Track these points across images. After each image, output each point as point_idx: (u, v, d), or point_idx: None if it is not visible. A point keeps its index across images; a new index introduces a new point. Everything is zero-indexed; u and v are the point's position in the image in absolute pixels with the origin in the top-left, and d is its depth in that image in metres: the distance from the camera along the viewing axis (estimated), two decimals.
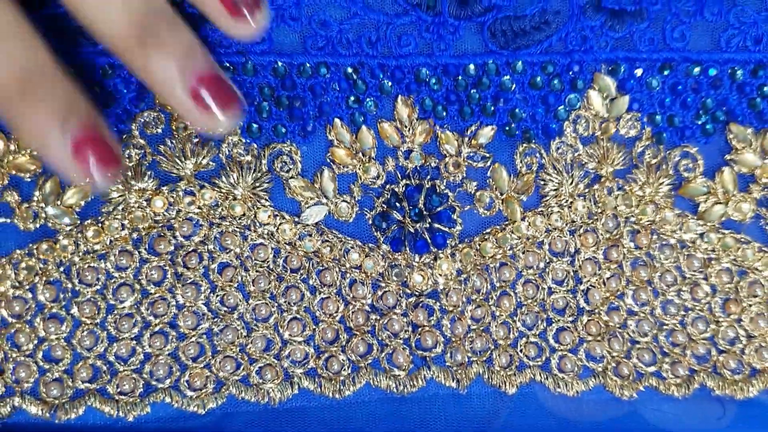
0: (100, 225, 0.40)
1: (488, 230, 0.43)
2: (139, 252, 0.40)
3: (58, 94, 0.30)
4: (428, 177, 0.42)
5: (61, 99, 0.30)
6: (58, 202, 0.40)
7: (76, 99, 0.31)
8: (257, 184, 0.41)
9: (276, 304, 0.41)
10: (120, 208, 0.40)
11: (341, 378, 0.41)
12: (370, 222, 0.42)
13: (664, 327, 0.44)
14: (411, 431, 0.41)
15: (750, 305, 0.45)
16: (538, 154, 0.43)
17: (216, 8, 0.34)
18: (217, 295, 0.41)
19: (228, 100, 0.33)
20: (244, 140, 0.41)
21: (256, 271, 0.41)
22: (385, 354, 0.42)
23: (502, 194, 0.43)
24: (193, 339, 0.41)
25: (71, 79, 0.32)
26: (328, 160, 0.42)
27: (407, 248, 0.42)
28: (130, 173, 0.40)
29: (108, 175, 0.32)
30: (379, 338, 0.42)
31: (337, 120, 0.41)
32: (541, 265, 0.43)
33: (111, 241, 0.40)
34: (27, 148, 0.39)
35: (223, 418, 0.41)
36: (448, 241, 0.42)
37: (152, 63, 0.31)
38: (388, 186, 0.42)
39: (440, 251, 0.42)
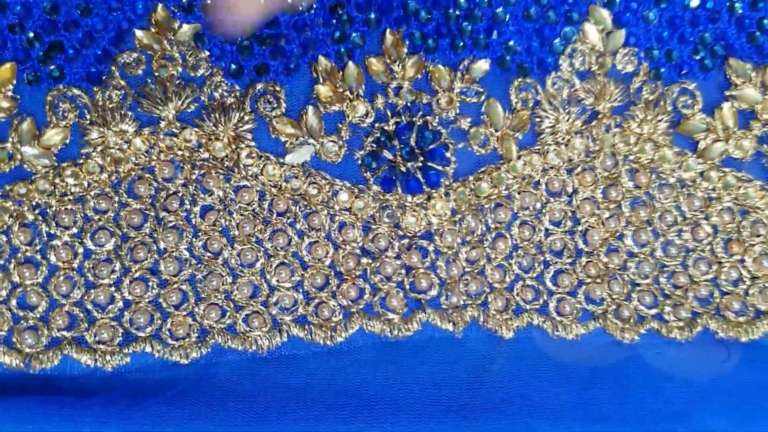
0: (78, 167, 0.38)
1: (483, 169, 0.41)
2: (119, 195, 0.39)
3: None
4: (420, 114, 0.40)
5: None
6: (35, 143, 0.37)
7: None
8: (240, 125, 0.39)
9: (262, 249, 0.40)
10: (99, 149, 0.38)
11: (332, 324, 0.39)
12: (360, 162, 0.40)
13: (665, 269, 0.43)
14: (405, 377, 0.39)
15: (753, 245, 0.43)
16: (533, 90, 0.41)
17: None
18: (201, 240, 0.39)
19: None
20: (226, 81, 0.39)
21: (241, 215, 0.39)
22: (378, 298, 0.40)
23: (497, 131, 0.41)
24: (176, 286, 0.39)
25: None
26: (314, 99, 0.40)
27: (399, 188, 0.40)
28: (110, 114, 0.38)
29: None
30: (372, 282, 0.40)
31: (321, 57, 0.39)
32: (538, 205, 0.42)
33: (89, 184, 0.38)
34: None
35: (208, 368, 0.39)
36: (441, 180, 0.41)
37: None
38: (377, 124, 0.40)
39: (433, 191, 0.40)
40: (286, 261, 0.40)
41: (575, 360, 0.42)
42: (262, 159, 0.39)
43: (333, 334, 0.39)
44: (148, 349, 0.38)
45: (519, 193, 0.42)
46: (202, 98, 0.39)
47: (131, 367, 0.38)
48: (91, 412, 0.36)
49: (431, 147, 0.40)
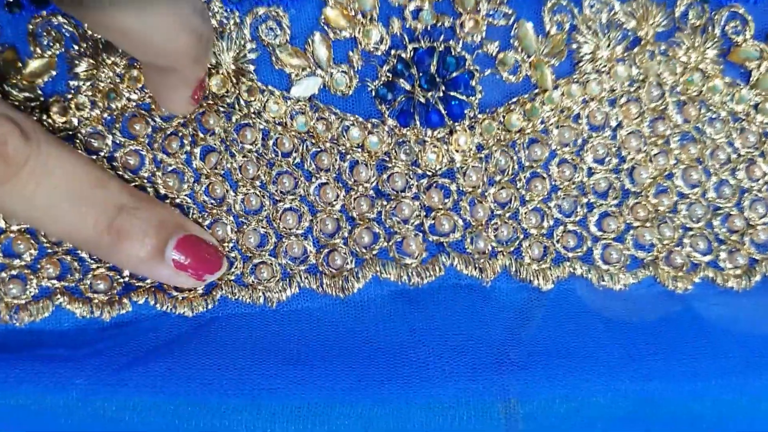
0: (66, 102, 0.35)
1: (514, 100, 0.36)
2: (113, 134, 0.35)
3: (143, 226, 0.32)
4: (441, 39, 0.36)
5: (148, 226, 0.32)
6: (18, 76, 0.34)
7: (160, 217, 0.33)
8: (241, 55, 0.35)
9: (267, 194, 0.36)
10: (89, 82, 0.35)
11: (344, 273, 0.35)
12: (373, 94, 0.36)
13: (719, 211, 0.38)
14: (429, 331, 0.35)
15: None
16: (569, 13, 0.36)
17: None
18: (202, 185, 0.36)
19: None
20: (224, 7, 0.35)
21: (244, 156, 0.36)
22: (394, 242, 0.36)
23: (529, 57, 0.36)
24: None
25: (144, 200, 0.33)
26: (321, 24, 0.36)
27: (417, 122, 0.36)
28: (101, 45, 0.35)
29: (215, 271, 0.35)
30: (387, 225, 0.36)
31: None
32: (579, 141, 0.37)
33: (80, 122, 0.35)
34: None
35: (213, 322, 0.35)
36: (465, 112, 0.36)
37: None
38: (393, 51, 0.36)
39: (456, 123, 0.36)
40: (293, 206, 0.36)
41: (623, 313, 0.37)
42: (265, 93, 0.35)
43: (345, 284, 0.35)
44: (150, 300, 0.35)
45: (557, 128, 0.37)
46: None
47: (130, 317, 0.35)
48: (84, 366, 0.33)
49: (454, 75, 0.36)
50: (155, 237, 0.32)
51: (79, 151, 0.33)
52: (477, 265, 0.36)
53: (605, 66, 0.37)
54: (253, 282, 0.36)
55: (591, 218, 0.38)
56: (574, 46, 0.37)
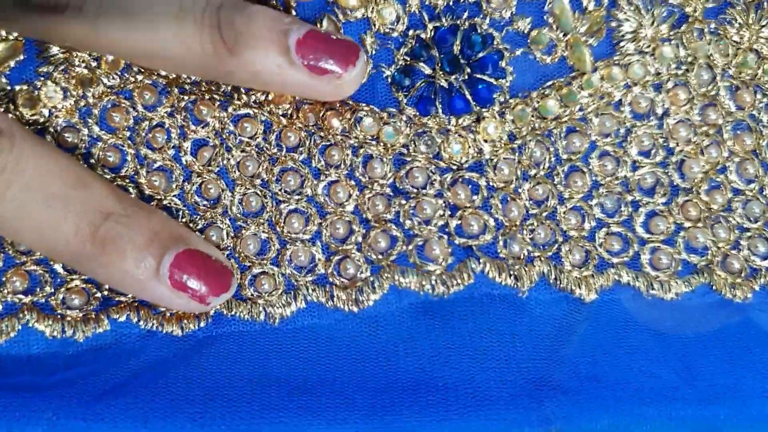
0: (35, 91, 0.30)
1: (549, 83, 0.32)
2: (89, 127, 0.30)
3: (135, 237, 0.27)
4: (465, 16, 0.31)
5: (141, 237, 0.28)
6: None
7: (155, 227, 0.28)
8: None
9: (269, 194, 0.31)
10: (61, 68, 0.30)
11: (358, 284, 0.30)
12: (389, 81, 0.32)
13: None
14: (456, 348, 0.30)
15: None
16: None
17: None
18: (193, 184, 0.31)
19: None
20: None
21: (242, 151, 0.31)
22: (415, 246, 0.31)
23: (565, 35, 0.31)
24: None
25: (136, 207, 0.28)
26: (330, 4, 0.32)
27: (439, 109, 0.31)
28: None
29: (222, 293, 0.29)
30: (406, 227, 0.31)
31: None
32: (621, 131, 0.32)
33: (51, 113, 0.30)
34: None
35: (206, 343, 0.30)
36: (494, 96, 0.31)
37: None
38: (411, 32, 0.31)
39: (484, 110, 0.31)
40: (299, 207, 0.31)
41: (675, 325, 0.33)
42: None
43: (359, 296, 0.30)
44: (133, 317, 0.30)
45: (597, 116, 0.32)
46: None
47: (108, 341, 0.30)
48: (53, 397, 0.28)
49: (481, 55, 0.31)
50: (149, 250, 0.27)
51: (60, 150, 0.28)
52: (512, 272, 0.31)
53: (649, 46, 0.33)
54: (252, 295, 0.31)
55: (637, 218, 0.33)
56: (614, 23, 0.33)
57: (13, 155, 0.26)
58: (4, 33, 0.30)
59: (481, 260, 0.31)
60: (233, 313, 0.31)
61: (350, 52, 0.29)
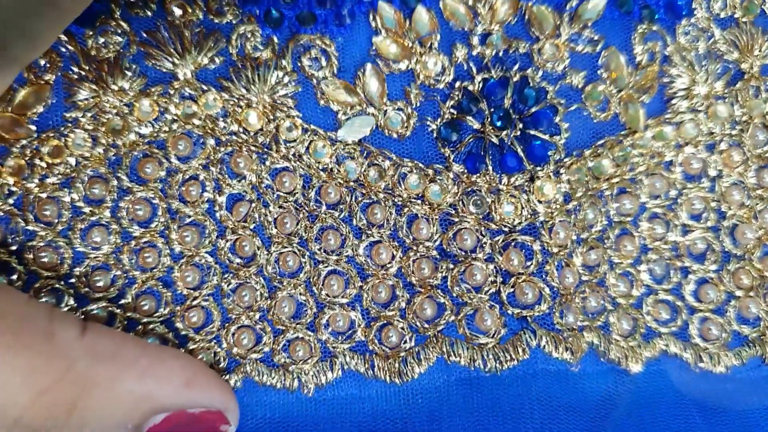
0: (62, 138, 0.28)
1: (602, 141, 0.30)
2: (119, 178, 0.29)
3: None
4: (516, 68, 0.30)
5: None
6: (7, 109, 0.28)
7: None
8: (279, 88, 0.29)
9: (308, 253, 0.29)
10: (90, 114, 0.28)
11: (402, 354, 0.29)
12: (435, 135, 0.30)
13: None
14: (500, 425, 0.28)
15: None
16: (661, 41, 0.30)
17: None
18: (228, 241, 0.29)
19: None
20: (261, 31, 0.29)
21: (280, 207, 0.29)
22: (464, 316, 0.29)
23: (619, 91, 0.30)
24: (196, 302, 0.29)
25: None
26: (373, 55, 0.30)
27: (489, 167, 0.30)
28: (107, 67, 0.28)
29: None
30: (454, 295, 0.29)
31: (382, 1, 0.29)
32: (672, 193, 0.31)
33: (78, 162, 0.28)
34: None
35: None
36: (549, 154, 0.30)
37: None
38: (458, 84, 0.30)
39: (539, 168, 0.30)
40: (338, 269, 0.29)
41: (725, 401, 0.31)
42: (308, 134, 0.29)
43: (403, 368, 0.29)
44: None
45: (647, 176, 0.31)
46: (230, 51, 0.29)
47: None
48: None
49: (534, 110, 0.30)
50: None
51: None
52: (568, 346, 0.29)
53: (702, 104, 0.31)
54: (285, 362, 0.29)
55: (686, 286, 0.32)
56: (666, 80, 0.31)
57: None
58: (32, 75, 0.29)
59: (537, 333, 0.29)
60: (264, 381, 0.29)
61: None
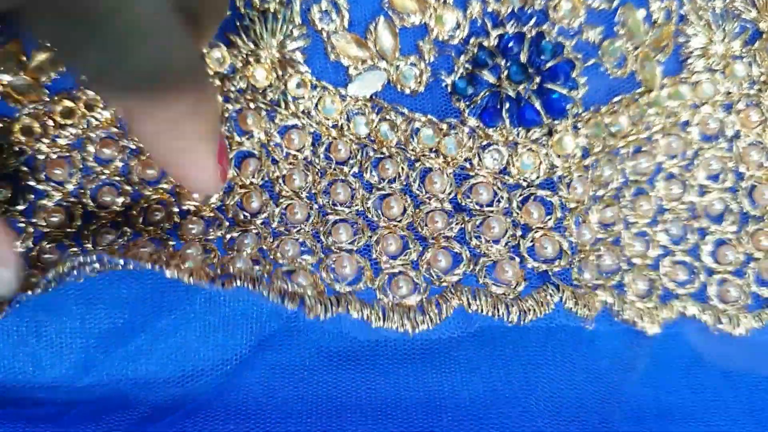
0: (75, 100, 0.28)
1: (618, 99, 0.29)
2: (128, 138, 0.28)
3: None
4: (532, 23, 0.29)
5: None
6: (21, 72, 0.28)
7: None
8: (288, 42, 0.29)
9: (316, 206, 0.29)
10: None
11: (413, 304, 0.28)
12: (450, 89, 0.29)
13: None
14: (509, 383, 0.28)
15: None
16: None
17: None
18: (236, 195, 0.28)
19: None
20: None
21: (289, 164, 0.29)
22: (483, 266, 0.28)
23: (636, 48, 0.29)
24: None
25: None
26: (386, 8, 0.30)
27: (506, 120, 0.29)
28: None
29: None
30: (472, 246, 0.28)
31: None
32: (689, 153, 0.30)
33: (89, 123, 0.28)
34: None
35: (235, 376, 0.28)
36: (568, 108, 0.29)
37: None
38: (473, 40, 0.29)
39: (557, 122, 0.29)
40: (347, 218, 0.29)
41: (744, 364, 0.30)
42: (318, 89, 0.29)
43: (420, 315, 0.27)
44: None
45: (663, 136, 0.30)
46: (237, 4, 0.28)
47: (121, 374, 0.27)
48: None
49: (551, 63, 0.29)
50: None
51: None
52: (585, 303, 0.28)
53: (719, 64, 0.31)
54: (288, 286, 0.27)
55: (704, 247, 0.31)
56: (681, 39, 0.31)
57: None
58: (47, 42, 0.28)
59: (560, 287, 0.29)
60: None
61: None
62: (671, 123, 0.31)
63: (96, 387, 0.28)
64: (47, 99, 0.28)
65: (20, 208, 0.28)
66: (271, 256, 0.29)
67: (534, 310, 0.27)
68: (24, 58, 0.28)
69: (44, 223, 0.28)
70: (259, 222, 0.29)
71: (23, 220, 0.28)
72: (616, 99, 0.30)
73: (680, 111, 0.31)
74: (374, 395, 0.28)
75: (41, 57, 0.29)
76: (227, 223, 0.29)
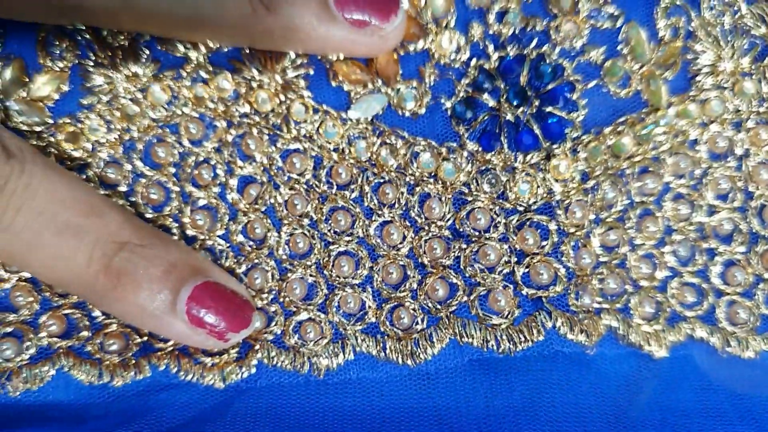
0: (78, 125, 0.28)
1: (623, 119, 0.29)
2: (132, 162, 0.29)
3: (150, 269, 0.26)
4: (533, 45, 0.29)
5: (156, 269, 0.26)
6: (24, 95, 0.28)
7: (172, 258, 0.26)
8: (291, 69, 0.29)
9: (318, 234, 0.29)
10: (106, 100, 0.28)
11: (414, 336, 0.28)
12: (449, 113, 0.29)
13: None
14: (518, 411, 0.28)
15: None
16: (685, 15, 0.29)
17: None
18: (239, 223, 0.29)
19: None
20: None
21: (291, 189, 0.29)
22: (477, 296, 0.28)
23: (640, 67, 0.29)
24: None
25: (152, 236, 0.27)
26: None
27: (504, 145, 0.29)
28: (121, 54, 0.28)
29: (242, 329, 0.27)
30: (467, 275, 0.28)
31: None
32: (697, 172, 0.30)
33: (93, 148, 0.28)
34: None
35: (244, 397, 0.28)
36: (566, 132, 0.29)
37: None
38: (474, 62, 0.29)
39: (555, 146, 0.29)
40: (349, 249, 0.29)
41: (753, 387, 0.30)
42: (319, 114, 0.29)
43: (415, 349, 0.28)
44: (172, 366, 0.28)
45: (671, 155, 0.30)
46: None
47: (144, 388, 0.28)
48: None
49: (550, 86, 0.29)
50: (165, 283, 0.25)
51: (76, 175, 0.26)
52: (583, 328, 0.28)
53: (728, 81, 0.30)
54: (296, 344, 0.29)
55: (713, 268, 0.31)
56: (690, 56, 0.30)
57: (23, 179, 0.25)
58: (50, 62, 0.29)
59: (552, 314, 0.29)
60: (274, 362, 0.29)
61: (390, 2, 0.27)
62: (679, 142, 0.31)
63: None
64: (51, 123, 0.29)
65: None
66: (281, 300, 0.29)
67: (525, 339, 0.27)
68: (26, 80, 0.29)
69: None
70: (264, 253, 0.29)
71: None
72: (620, 119, 0.30)
73: (689, 129, 0.31)
74: (375, 415, 0.28)
75: (42, 80, 0.29)
76: (233, 252, 0.30)
